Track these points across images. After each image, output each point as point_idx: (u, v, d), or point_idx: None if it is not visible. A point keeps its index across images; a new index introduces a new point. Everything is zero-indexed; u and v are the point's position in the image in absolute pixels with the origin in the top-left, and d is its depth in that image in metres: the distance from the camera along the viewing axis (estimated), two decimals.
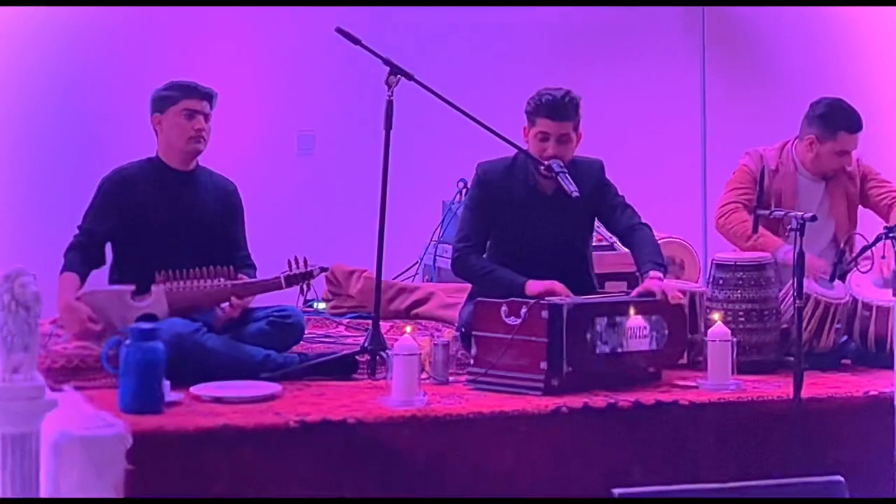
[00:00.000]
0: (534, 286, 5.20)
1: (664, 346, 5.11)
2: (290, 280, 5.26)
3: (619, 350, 5.00)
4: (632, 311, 5.02)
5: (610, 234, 6.49)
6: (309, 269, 5.29)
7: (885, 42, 8.16)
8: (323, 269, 5.43)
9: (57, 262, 5.26)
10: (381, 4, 7.39)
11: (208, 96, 5.36)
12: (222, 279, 5.22)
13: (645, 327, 5.05)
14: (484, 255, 5.46)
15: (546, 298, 5.02)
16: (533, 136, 5.37)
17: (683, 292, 5.38)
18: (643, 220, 5.47)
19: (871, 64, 8.11)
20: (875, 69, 8.10)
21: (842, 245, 5.65)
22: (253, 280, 5.28)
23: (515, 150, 5.43)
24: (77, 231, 5.33)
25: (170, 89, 5.35)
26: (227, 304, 5.20)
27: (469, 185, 5.68)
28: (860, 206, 6.05)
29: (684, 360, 5.30)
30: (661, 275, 5.24)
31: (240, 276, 5.28)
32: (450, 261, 5.56)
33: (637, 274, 5.45)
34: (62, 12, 6.94)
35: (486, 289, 5.24)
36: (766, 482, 4.55)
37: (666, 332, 5.11)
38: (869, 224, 5.95)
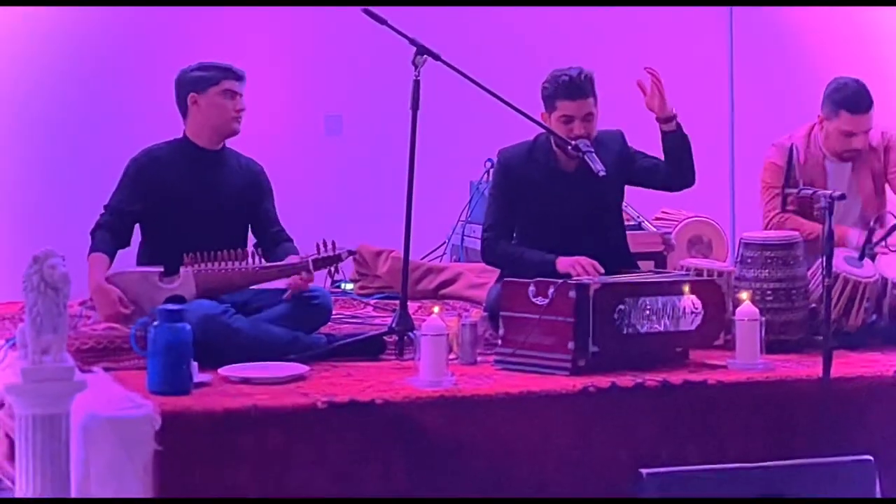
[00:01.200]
0: (563, 263, 5.20)
1: (698, 327, 5.09)
2: (318, 263, 5.26)
3: (647, 330, 4.98)
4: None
5: (637, 214, 6.49)
6: (337, 252, 5.29)
7: None
8: (351, 253, 5.43)
9: (84, 245, 5.27)
10: None
11: (243, 78, 5.40)
12: (250, 261, 5.23)
13: (669, 306, 5.03)
14: (512, 241, 5.45)
15: (573, 278, 5.01)
16: (556, 120, 5.35)
17: (711, 271, 5.36)
18: None
19: None
20: None
21: (871, 223, 5.62)
22: (280, 263, 5.29)
23: (535, 133, 5.42)
24: (104, 210, 5.34)
25: (207, 70, 5.36)
26: (297, 277, 5.19)
27: (492, 171, 5.68)
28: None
29: (720, 342, 5.24)
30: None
31: (276, 254, 5.29)
32: (479, 245, 5.55)
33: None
34: None
35: (518, 272, 5.23)
36: (794, 462, 4.57)
37: (700, 312, 5.07)
38: None
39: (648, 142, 5.54)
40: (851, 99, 5.81)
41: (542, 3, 7.67)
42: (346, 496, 4.44)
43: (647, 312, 4.98)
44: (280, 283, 5.29)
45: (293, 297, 5.24)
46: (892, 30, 8.07)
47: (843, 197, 4.92)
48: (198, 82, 5.35)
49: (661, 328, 5.02)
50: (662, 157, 5.46)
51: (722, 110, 7.85)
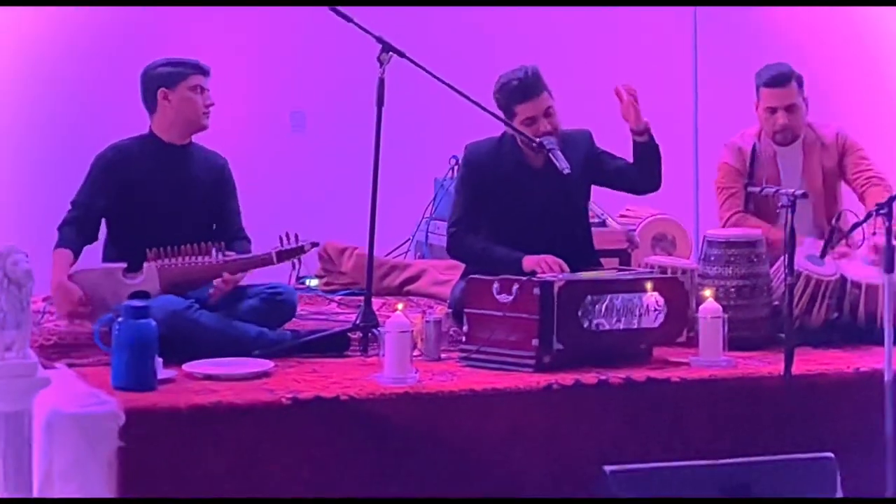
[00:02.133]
0: (529, 261, 5.21)
1: (661, 324, 5.11)
2: (282, 256, 5.26)
3: (611, 327, 5.00)
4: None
5: (602, 211, 6.51)
6: (300, 244, 5.29)
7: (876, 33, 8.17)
8: (314, 245, 5.42)
9: (49, 240, 5.25)
10: None
11: (209, 73, 5.42)
12: (214, 255, 5.23)
13: (633, 303, 5.05)
14: (479, 235, 5.46)
15: (538, 276, 5.02)
16: (519, 124, 5.37)
17: (675, 269, 5.39)
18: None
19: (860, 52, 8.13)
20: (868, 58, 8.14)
21: (833, 222, 5.64)
22: (244, 256, 5.28)
23: (503, 128, 5.43)
24: (70, 206, 5.33)
25: (175, 65, 5.36)
26: (219, 279, 5.20)
27: (459, 166, 5.69)
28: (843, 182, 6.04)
29: (683, 339, 5.27)
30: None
31: (232, 251, 5.29)
32: (444, 242, 5.56)
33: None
34: None
35: (483, 268, 5.24)
36: (756, 458, 4.59)
37: (663, 309, 5.10)
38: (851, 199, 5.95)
39: (615, 140, 5.56)
40: (769, 75, 5.91)
41: (507, 3, 7.68)
42: (312, 493, 4.44)
43: (611, 310, 5.00)
44: (246, 280, 5.29)
45: (257, 293, 5.24)
46: (856, 29, 8.11)
47: (805, 195, 4.96)
48: (167, 77, 5.34)
49: (625, 325, 5.03)
50: (631, 160, 5.48)
51: (686, 108, 7.88)
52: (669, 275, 5.29)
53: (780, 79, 5.88)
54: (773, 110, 5.89)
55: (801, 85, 5.92)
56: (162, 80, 5.34)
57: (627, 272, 5.39)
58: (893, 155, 6.90)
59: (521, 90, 5.34)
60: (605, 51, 7.80)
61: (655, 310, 5.07)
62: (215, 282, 5.21)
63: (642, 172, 5.46)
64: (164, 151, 5.37)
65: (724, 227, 5.90)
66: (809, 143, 5.95)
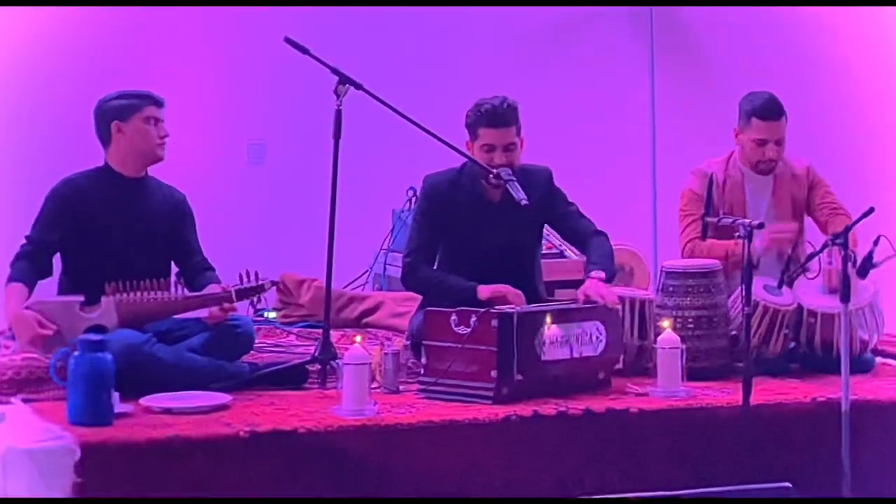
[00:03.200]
0: (484, 291, 5.22)
1: (601, 352, 5.14)
2: (241, 294, 5.25)
3: (566, 357, 5.01)
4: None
5: (560, 242, 6.51)
6: (260, 282, 5.28)
7: (845, 37, 8.24)
8: (274, 283, 5.43)
9: (3, 274, 5.22)
10: (334, 4, 7.40)
11: (163, 104, 5.40)
12: (173, 291, 5.21)
13: (589, 333, 5.08)
14: (434, 267, 5.47)
15: (496, 307, 5.02)
16: (479, 149, 5.39)
17: (633, 300, 5.40)
18: (599, 229, 5.50)
19: (828, 62, 8.19)
20: (831, 66, 8.19)
21: (789, 251, 5.67)
22: (203, 293, 5.26)
23: (462, 160, 5.44)
24: (24, 241, 5.30)
25: (128, 97, 5.35)
26: (215, 308, 5.19)
27: (416, 197, 5.69)
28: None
29: (620, 365, 5.31)
30: (602, 275, 5.26)
31: (200, 283, 5.29)
32: (399, 273, 5.56)
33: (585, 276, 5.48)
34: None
35: (437, 298, 5.25)
36: (715, 489, 4.59)
37: (604, 337, 5.13)
38: (813, 231, 5.99)
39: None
40: (762, 107, 5.88)
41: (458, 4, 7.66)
42: None
43: (563, 340, 5.01)
44: (202, 313, 5.27)
45: (215, 326, 5.22)
46: (815, 54, 8.18)
47: (761, 225, 4.99)
48: (120, 110, 5.32)
49: (576, 355, 5.05)
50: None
51: (643, 139, 7.91)
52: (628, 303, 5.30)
53: (775, 112, 5.87)
54: (762, 142, 5.89)
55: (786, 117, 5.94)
56: (115, 112, 5.33)
57: (563, 302, 5.38)
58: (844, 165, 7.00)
59: (491, 115, 5.36)
60: (564, 83, 7.83)
61: (597, 338, 5.10)
62: (211, 311, 5.18)
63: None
64: (119, 184, 5.35)
65: (683, 251, 5.91)
66: (780, 173, 5.98)
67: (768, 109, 5.88)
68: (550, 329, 5.00)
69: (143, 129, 5.32)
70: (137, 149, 5.33)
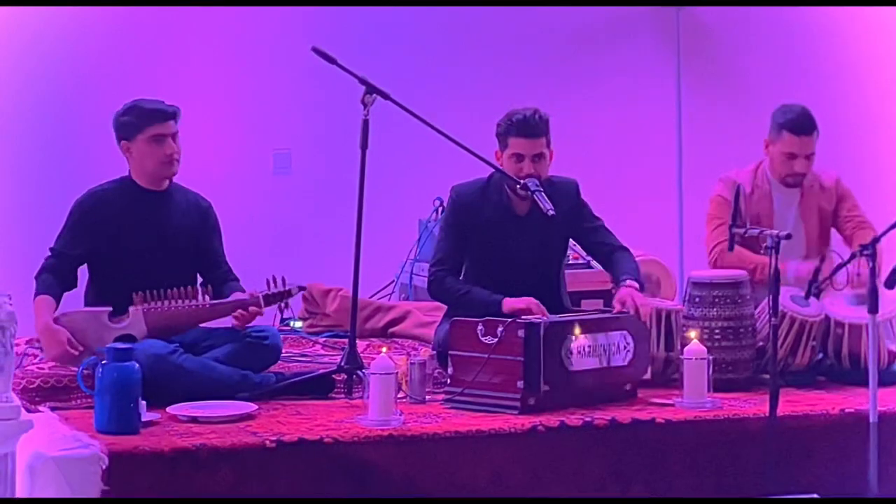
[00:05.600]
0: (510, 303, 5.21)
1: (629, 363, 5.13)
2: (269, 299, 5.26)
3: (592, 367, 5.01)
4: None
5: (586, 253, 6.50)
6: (287, 288, 5.29)
7: (870, 49, 8.20)
8: (301, 289, 5.43)
9: (31, 281, 5.23)
10: (357, 4, 7.40)
11: (173, 115, 5.31)
12: (200, 298, 5.22)
13: (616, 343, 5.08)
14: (460, 277, 5.47)
15: (522, 317, 5.02)
16: (507, 158, 5.39)
17: (660, 310, 5.40)
18: (624, 245, 5.51)
19: (854, 73, 8.16)
20: (858, 77, 8.16)
21: (817, 263, 5.66)
22: (231, 300, 5.27)
23: (490, 171, 5.44)
24: (49, 253, 5.30)
25: (132, 115, 5.29)
26: (241, 311, 5.19)
27: (444, 207, 5.70)
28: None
29: (648, 376, 5.31)
30: (636, 284, 5.27)
31: (224, 292, 5.29)
32: (426, 283, 5.56)
33: (612, 287, 5.47)
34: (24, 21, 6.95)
35: (463, 309, 5.25)
36: (740, 499, 4.59)
37: (631, 348, 5.13)
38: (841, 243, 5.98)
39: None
40: (794, 121, 5.88)
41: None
42: None
43: (590, 350, 5.02)
44: (228, 322, 5.28)
45: (242, 337, 5.23)
46: (838, 63, 8.15)
47: (788, 236, 4.97)
48: (125, 129, 5.29)
49: (603, 365, 5.05)
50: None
51: (670, 150, 7.90)
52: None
53: (807, 127, 5.87)
54: (792, 156, 5.89)
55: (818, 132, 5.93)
56: (122, 131, 5.30)
57: (591, 312, 5.38)
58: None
59: (522, 125, 5.37)
60: (591, 97, 7.82)
61: (625, 348, 5.10)
62: (239, 313, 5.19)
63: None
64: (142, 196, 5.34)
65: (710, 256, 5.91)
66: (808, 185, 5.97)
67: (800, 124, 5.87)
68: (578, 339, 5.00)
69: (147, 150, 5.27)
70: (144, 168, 5.31)
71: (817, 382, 5.48)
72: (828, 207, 6.00)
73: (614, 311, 5.21)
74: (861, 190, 6.14)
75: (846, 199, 6.03)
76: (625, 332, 5.14)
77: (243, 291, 5.32)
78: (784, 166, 5.91)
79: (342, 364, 5.22)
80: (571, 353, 4.97)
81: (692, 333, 5.22)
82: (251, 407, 4.86)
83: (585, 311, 5.42)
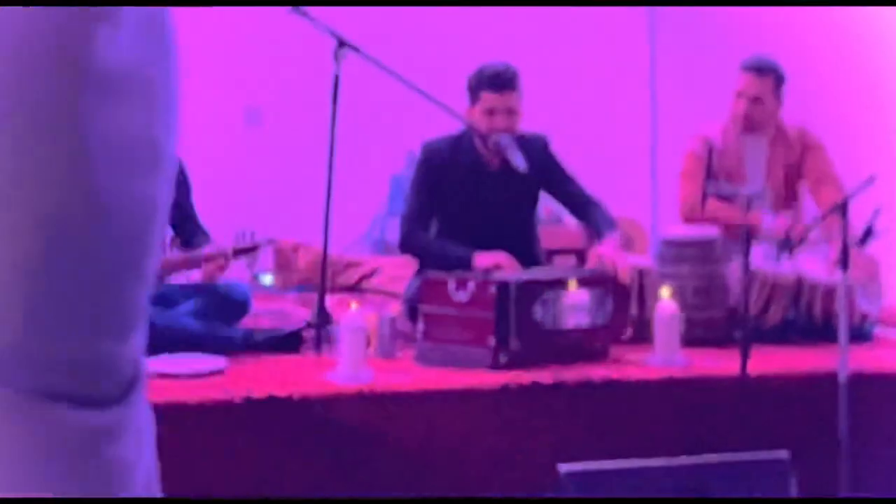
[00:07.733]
0: (482, 259, 5.19)
1: (608, 321, 5.12)
2: (238, 252, 5.24)
3: (565, 326, 5.00)
4: (573, 284, 5.01)
5: (558, 208, 6.49)
6: (256, 241, 5.26)
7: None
8: (270, 242, 5.41)
9: None
10: None
11: None
12: (170, 251, 5.19)
13: (589, 301, 5.06)
14: (431, 233, 5.45)
15: (494, 274, 5.00)
16: (479, 113, 5.37)
17: (637, 269, 5.38)
18: (596, 198, 5.51)
19: (825, 25, 8.15)
20: (830, 30, 8.15)
21: (790, 220, 5.66)
22: (200, 252, 5.24)
23: (461, 127, 5.41)
24: None
25: None
26: (211, 265, 5.17)
27: (415, 164, 5.68)
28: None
29: (629, 335, 5.29)
30: (617, 239, 5.26)
31: (192, 246, 5.27)
32: (398, 239, 5.55)
33: (591, 239, 5.46)
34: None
35: (435, 264, 5.23)
36: (709, 457, 4.58)
37: (610, 306, 5.12)
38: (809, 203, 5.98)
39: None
40: (751, 60, 5.98)
41: (466, 3, 7.66)
42: (265, 492, 4.40)
43: (565, 308, 4.99)
44: (196, 276, 5.25)
45: (211, 291, 5.20)
46: (812, 25, 8.14)
47: (761, 195, 4.96)
48: None
49: (577, 323, 5.03)
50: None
51: (643, 107, 7.88)
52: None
53: (759, 67, 5.90)
54: (739, 94, 5.91)
55: (778, 83, 5.91)
56: None
57: (569, 270, 5.38)
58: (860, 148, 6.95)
59: (494, 79, 5.35)
60: (563, 51, 7.79)
61: (601, 307, 5.09)
62: (206, 268, 5.16)
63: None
64: None
65: (682, 209, 5.91)
66: (774, 139, 5.96)
67: (754, 64, 5.97)
68: (554, 296, 4.98)
69: None
70: None
71: (789, 341, 5.48)
72: (792, 159, 5.98)
73: (589, 264, 5.19)
74: (833, 145, 6.12)
75: (811, 149, 6.01)
76: (601, 289, 5.11)
77: (213, 244, 5.29)
78: (735, 106, 5.97)
79: (311, 320, 5.20)
80: (545, 310, 4.95)
81: (664, 292, 5.21)
82: (220, 363, 4.83)
83: (560, 269, 5.41)
